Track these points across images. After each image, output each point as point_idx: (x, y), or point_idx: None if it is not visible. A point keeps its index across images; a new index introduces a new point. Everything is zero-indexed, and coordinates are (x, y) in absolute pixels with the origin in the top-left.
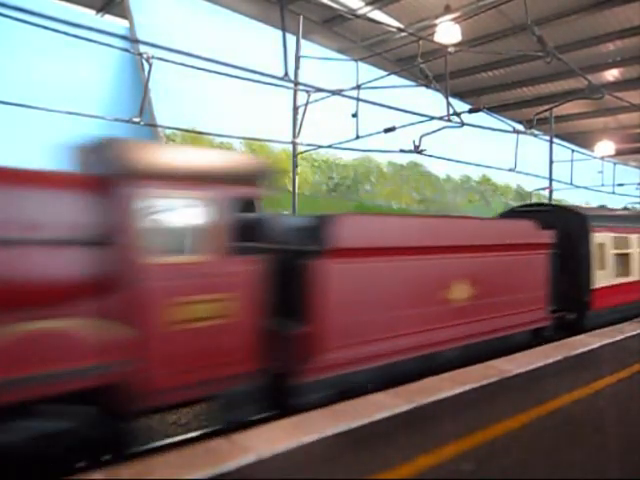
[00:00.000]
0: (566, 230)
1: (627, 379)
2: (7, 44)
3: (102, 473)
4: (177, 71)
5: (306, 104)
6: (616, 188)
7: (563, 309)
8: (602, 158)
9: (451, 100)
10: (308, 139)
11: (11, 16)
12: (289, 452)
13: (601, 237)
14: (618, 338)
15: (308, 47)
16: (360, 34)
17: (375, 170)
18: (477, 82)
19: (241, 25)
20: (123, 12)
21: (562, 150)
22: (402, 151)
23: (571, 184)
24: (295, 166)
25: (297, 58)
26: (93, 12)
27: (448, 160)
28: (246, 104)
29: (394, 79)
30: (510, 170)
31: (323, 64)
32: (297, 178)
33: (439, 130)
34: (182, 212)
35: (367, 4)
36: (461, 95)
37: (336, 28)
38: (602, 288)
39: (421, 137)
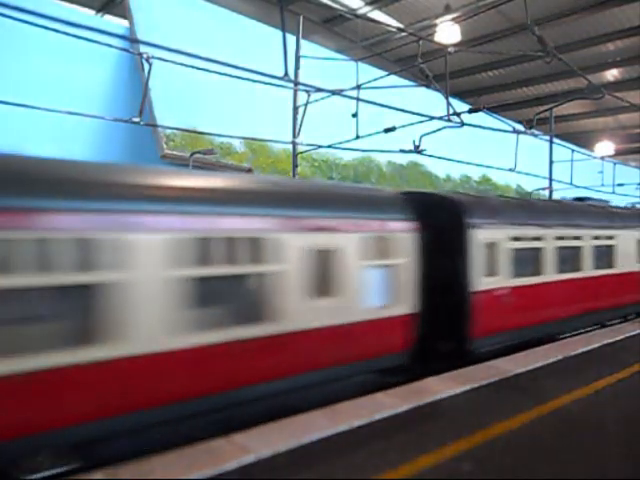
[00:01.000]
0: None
1: (627, 379)
2: (7, 44)
3: (102, 473)
4: (177, 71)
5: (306, 104)
6: (616, 188)
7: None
8: (602, 158)
9: (451, 100)
10: (308, 139)
11: (11, 16)
12: (289, 452)
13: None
14: (618, 338)
15: (308, 47)
16: (360, 34)
17: (375, 170)
18: (477, 82)
19: (241, 25)
20: (123, 12)
21: (562, 150)
22: (402, 151)
23: (571, 184)
24: (295, 166)
25: (297, 58)
26: (93, 12)
27: (448, 160)
28: (246, 104)
29: (394, 79)
30: (510, 170)
31: (323, 64)
32: (297, 178)
33: (439, 130)
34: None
35: (367, 4)
36: (461, 95)
37: (336, 28)
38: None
39: (421, 137)
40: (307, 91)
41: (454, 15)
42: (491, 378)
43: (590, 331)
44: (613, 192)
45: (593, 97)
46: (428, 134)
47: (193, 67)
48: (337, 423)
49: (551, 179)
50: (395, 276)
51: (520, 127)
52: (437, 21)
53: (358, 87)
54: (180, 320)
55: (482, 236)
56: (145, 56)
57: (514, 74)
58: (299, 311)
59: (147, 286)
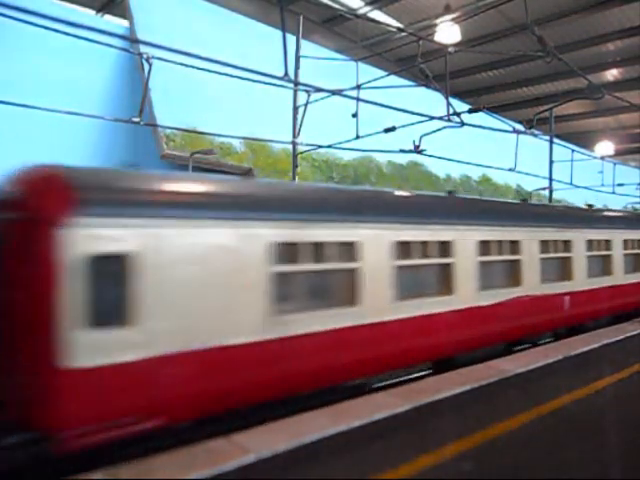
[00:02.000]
0: None
1: (627, 379)
2: (7, 44)
3: (102, 473)
4: (177, 71)
5: (306, 104)
6: (616, 188)
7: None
8: (602, 158)
9: (451, 100)
10: (308, 139)
11: (11, 16)
12: (289, 452)
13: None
14: (618, 338)
15: (308, 47)
16: (360, 34)
17: (375, 170)
18: (477, 82)
19: (241, 25)
20: (123, 12)
21: (563, 150)
22: (402, 151)
23: (571, 184)
24: (295, 166)
25: (297, 58)
26: (93, 12)
27: (448, 160)
28: (246, 104)
29: (394, 79)
30: (510, 170)
31: (323, 64)
32: (297, 178)
33: (439, 130)
34: None
35: (367, 4)
36: (461, 95)
37: (336, 28)
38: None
39: (421, 137)
40: (307, 91)
41: (454, 15)
42: (491, 378)
43: (589, 331)
44: (613, 192)
45: (593, 97)
46: (428, 134)
47: (193, 67)
48: (337, 423)
49: (551, 179)
50: None
51: (520, 127)
52: (437, 21)
53: (358, 87)
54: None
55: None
56: (145, 56)
57: (514, 74)
58: None
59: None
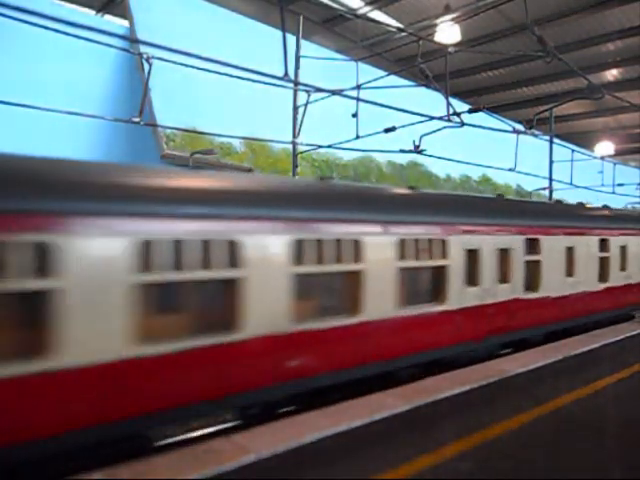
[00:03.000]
0: None
1: (627, 379)
2: (7, 44)
3: (102, 473)
4: (177, 71)
5: (306, 104)
6: (616, 188)
7: None
8: (602, 158)
9: (451, 100)
10: (308, 139)
11: (11, 16)
12: (289, 452)
13: None
14: (618, 338)
15: (308, 47)
16: (360, 34)
17: (375, 170)
18: (477, 82)
19: (241, 25)
20: (123, 12)
21: (563, 150)
22: (402, 151)
23: (571, 184)
24: (295, 166)
25: (297, 58)
26: (93, 12)
27: (448, 160)
28: (246, 104)
29: (394, 79)
30: (510, 170)
31: (323, 64)
32: (297, 178)
33: (439, 130)
34: None
35: (367, 4)
36: (461, 95)
37: (336, 28)
38: None
39: (421, 137)
40: (307, 91)
41: (454, 15)
42: (491, 378)
43: (589, 331)
44: (613, 192)
45: (593, 97)
46: (428, 134)
47: (193, 67)
48: (337, 423)
49: (551, 179)
50: None
51: (520, 127)
52: (437, 21)
53: (358, 87)
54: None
55: None
56: (145, 56)
57: (514, 74)
58: None
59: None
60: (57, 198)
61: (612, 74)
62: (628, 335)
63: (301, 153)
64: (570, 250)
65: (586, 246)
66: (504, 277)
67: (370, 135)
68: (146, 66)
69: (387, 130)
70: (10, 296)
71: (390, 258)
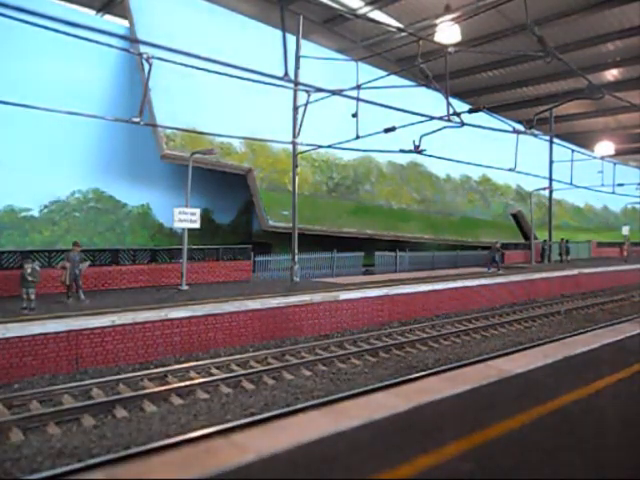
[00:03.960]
0: None
1: (627, 379)
2: (7, 44)
3: (102, 473)
4: (177, 71)
5: (306, 104)
6: (616, 188)
7: None
8: (602, 158)
9: (451, 100)
10: (308, 139)
11: (11, 16)
12: (289, 452)
13: None
14: (618, 338)
15: (308, 47)
16: (360, 34)
17: (375, 170)
18: (477, 82)
19: (241, 25)
20: (123, 12)
21: (563, 150)
22: (402, 151)
23: (571, 184)
24: (295, 166)
25: (297, 58)
26: (93, 12)
27: (448, 160)
28: (246, 104)
29: (394, 79)
30: (510, 170)
31: (323, 64)
32: (297, 178)
33: (439, 130)
34: None
35: (367, 4)
36: (461, 95)
37: (336, 28)
38: None
39: (421, 137)
40: (307, 91)
41: (454, 15)
42: (491, 378)
43: (589, 331)
44: (613, 192)
45: (593, 97)
46: (428, 134)
47: (193, 67)
48: (337, 423)
49: (551, 179)
50: None
51: (520, 127)
52: (437, 21)
53: (358, 87)
54: None
55: None
56: (145, 56)
57: (514, 74)
58: None
59: None
60: None
61: (612, 74)
62: (628, 335)
63: (301, 153)
64: None
65: None
66: None
67: (370, 135)
68: (146, 66)
69: (387, 130)
70: None
71: None
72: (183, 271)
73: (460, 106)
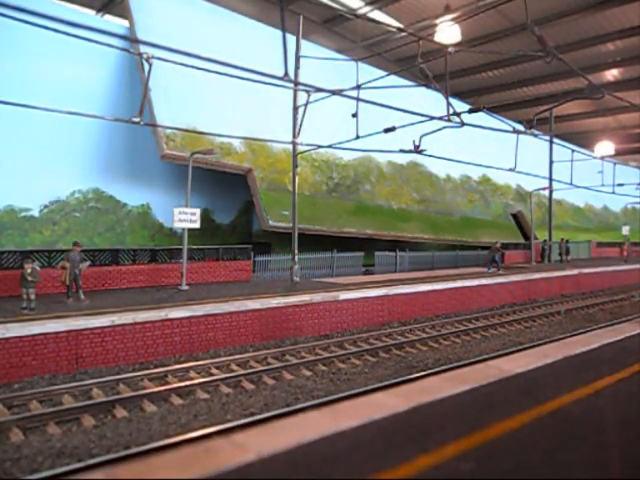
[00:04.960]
0: None
1: (627, 379)
2: (7, 44)
3: (102, 473)
4: (177, 71)
5: (306, 104)
6: (616, 188)
7: None
8: (602, 158)
9: (451, 100)
10: (308, 139)
11: (11, 16)
12: (289, 452)
13: None
14: (618, 338)
15: (308, 47)
16: (360, 34)
17: (375, 170)
18: (477, 82)
19: (241, 25)
20: (123, 12)
21: (563, 150)
22: (402, 151)
23: (571, 184)
24: (295, 166)
25: (297, 58)
26: (93, 12)
27: (448, 160)
28: (246, 104)
29: (394, 79)
30: (510, 170)
31: (323, 64)
32: (297, 178)
33: (439, 130)
34: None
35: (367, 4)
36: (461, 95)
37: (336, 28)
38: None
39: (421, 137)
40: (307, 91)
41: (454, 15)
42: (491, 378)
43: (589, 331)
44: (613, 192)
45: (593, 97)
46: (428, 134)
47: (193, 67)
48: (337, 423)
49: (551, 179)
50: None
51: (520, 127)
52: (437, 21)
53: (358, 87)
54: None
55: None
56: (145, 56)
57: (514, 74)
58: None
59: None
60: None
61: (612, 74)
62: (628, 335)
63: (301, 153)
64: None
65: None
66: None
67: (370, 135)
68: (146, 66)
69: (387, 130)
70: None
71: None
72: (183, 271)
73: (460, 106)
